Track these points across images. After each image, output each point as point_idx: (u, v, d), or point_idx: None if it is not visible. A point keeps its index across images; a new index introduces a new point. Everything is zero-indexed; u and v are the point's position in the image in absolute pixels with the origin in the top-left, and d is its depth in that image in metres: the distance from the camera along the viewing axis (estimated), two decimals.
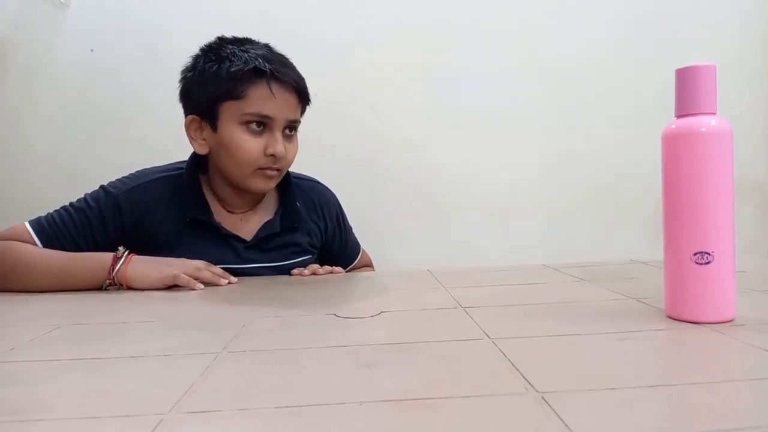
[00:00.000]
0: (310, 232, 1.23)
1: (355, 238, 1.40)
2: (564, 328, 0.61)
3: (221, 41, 1.10)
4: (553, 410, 0.38)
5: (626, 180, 1.88)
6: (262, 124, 1.06)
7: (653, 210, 1.84)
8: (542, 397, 0.41)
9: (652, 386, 0.43)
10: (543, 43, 1.87)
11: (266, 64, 1.04)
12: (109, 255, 0.99)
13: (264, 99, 1.04)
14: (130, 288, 0.98)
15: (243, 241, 1.14)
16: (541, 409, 0.39)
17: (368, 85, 1.84)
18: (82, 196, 1.11)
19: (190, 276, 0.97)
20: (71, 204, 1.10)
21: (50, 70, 1.77)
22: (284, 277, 1.12)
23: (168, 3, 1.78)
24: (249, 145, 1.05)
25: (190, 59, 1.12)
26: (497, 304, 0.75)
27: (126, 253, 1.00)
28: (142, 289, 0.97)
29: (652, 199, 1.88)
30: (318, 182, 1.32)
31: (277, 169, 1.10)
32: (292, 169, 1.20)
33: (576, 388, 0.43)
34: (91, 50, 1.77)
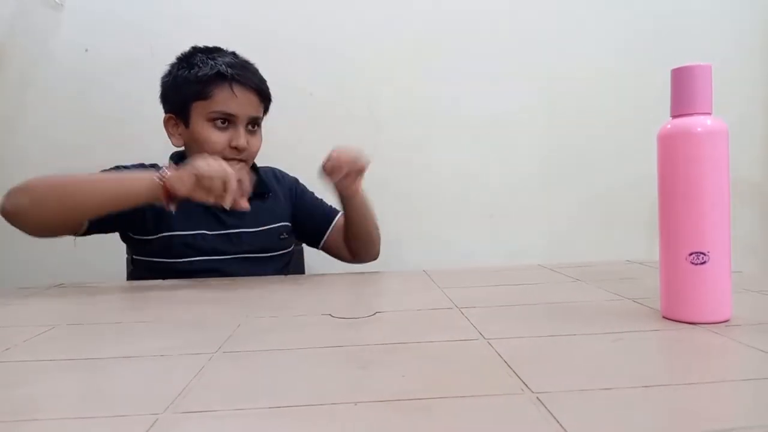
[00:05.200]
0: (279, 199, 1.36)
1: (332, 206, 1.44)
2: (559, 329, 0.61)
3: (194, 50, 1.24)
4: (548, 411, 0.38)
5: (623, 181, 1.88)
6: (226, 120, 1.20)
7: (650, 210, 1.84)
8: (537, 398, 0.41)
9: (647, 387, 0.43)
10: (541, 45, 1.88)
11: (228, 69, 1.18)
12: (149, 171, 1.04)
13: (227, 99, 1.18)
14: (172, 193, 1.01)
15: (223, 209, 1.19)
16: (536, 410, 0.39)
17: (366, 87, 1.85)
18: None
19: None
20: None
21: (46, 70, 1.77)
22: (279, 277, 1.12)
23: (163, 2, 1.78)
24: (215, 138, 1.19)
25: (168, 66, 1.25)
26: (492, 305, 0.75)
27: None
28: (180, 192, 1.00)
29: (649, 199, 1.88)
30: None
31: (242, 160, 1.23)
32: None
33: (571, 389, 0.43)
34: (86, 50, 1.77)
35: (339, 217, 1.39)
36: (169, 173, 1.01)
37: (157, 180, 1.01)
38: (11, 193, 1.04)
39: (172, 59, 1.25)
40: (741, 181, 1.87)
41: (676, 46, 1.85)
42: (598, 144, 1.89)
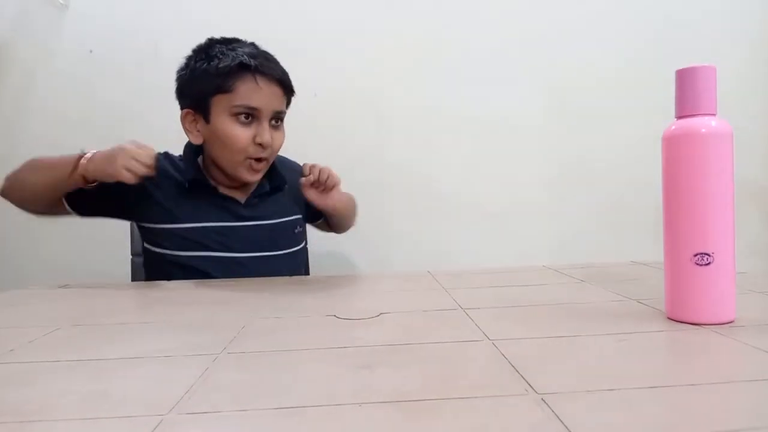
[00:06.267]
0: (293, 191, 1.30)
1: None
2: (564, 330, 0.61)
3: (211, 41, 1.19)
4: (553, 412, 0.38)
5: (628, 181, 1.88)
6: (250, 115, 1.15)
7: (654, 211, 1.84)
8: (542, 399, 0.41)
9: (652, 387, 0.43)
10: (545, 46, 1.88)
11: (251, 59, 1.13)
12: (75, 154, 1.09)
13: (251, 91, 1.13)
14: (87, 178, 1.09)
15: (238, 202, 1.24)
16: (541, 411, 0.39)
17: (370, 87, 1.85)
18: None
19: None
20: None
21: (49, 70, 1.78)
22: (284, 278, 1.12)
23: (167, 3, 1.79)
24: (239, 134, 1.14)
25: (184, 59, 1.20)
26: (497, 306, 0.75)
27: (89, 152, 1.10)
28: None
29: (654, 200, 1.88)
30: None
31: (265, 159, 1.19)
32: None
33: (576, 390, 0.43)
34: (90, 51, 1.78)
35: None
36: (88, 160, 1.07)
37: (78, 159, 1.07)
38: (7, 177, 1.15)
39: (177, 60, 1.22)
40: (744, 182, 1.86)
41: (680, 48, 1.85)
42: (603, 145, 1.89)
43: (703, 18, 1.90)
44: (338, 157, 1.81)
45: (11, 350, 0.59)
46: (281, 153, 1.42)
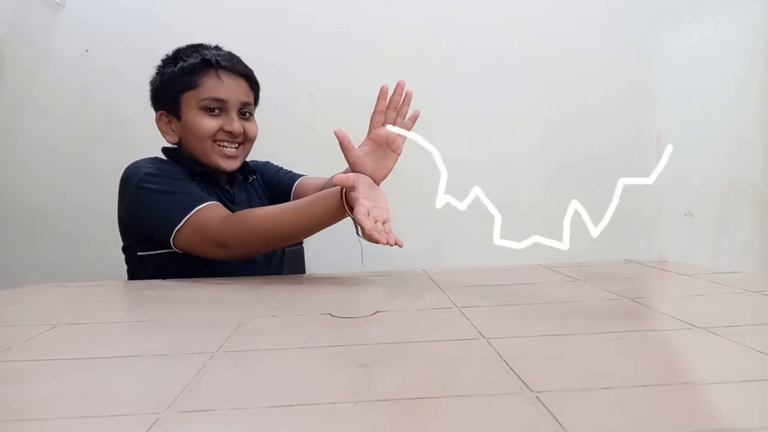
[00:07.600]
0: (262, 184, 1.43)
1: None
2: (559, 328, 0.61)
3: (178, 50, 1.27)
4: (548, 410, 0.38)
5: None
6: (218, 108, 1.22)
7: (649, 210, 1.85)
8: (537, 397, 0.41)
9: (646, 386, 0.43)
10: (542, 43, 1.87)
11: (214, 57, 1.22)
12: (334, 190, 1.09)
13: (215, 85, 1.21)
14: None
15: (229, 191, 1.31)
16: (536, 409, 0.39)
17: (366, 86, 1.84)
18: (147, 186, 1.15)
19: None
20: (162, 191, 1.15)
21: (46, 70, 1.77)
22: (279, 277, 1.12)
23: (164, 3, 1.78)
24: (206, 123, 1.21)
25: (155, 69, 1.27)
26: (492, 304, 0.75)
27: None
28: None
29: (649, 199, 1.88)
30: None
31: (239, 144, 1.25)
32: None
33: (571, 388, 0.43)
34: (86, 51, 1.77)
35: (298, 182, 1.43)
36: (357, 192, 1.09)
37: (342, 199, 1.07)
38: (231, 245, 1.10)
39: None
40: (741, 181, 1.87)
41: (677, 47, 1.85)
42: (597, 143, 1.89)
43: (699, 17, 1.90)
44: (334, 157, 1.81)
45: (8, 348, 0.59)
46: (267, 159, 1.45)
